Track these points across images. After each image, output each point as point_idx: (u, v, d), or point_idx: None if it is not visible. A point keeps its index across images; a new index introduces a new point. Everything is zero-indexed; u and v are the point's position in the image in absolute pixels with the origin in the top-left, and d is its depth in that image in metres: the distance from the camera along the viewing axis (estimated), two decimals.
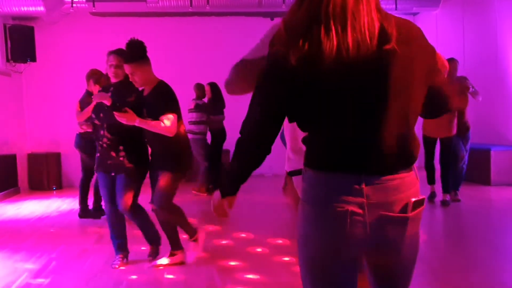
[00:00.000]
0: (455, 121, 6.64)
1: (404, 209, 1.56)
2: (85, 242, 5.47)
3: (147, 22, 10.19)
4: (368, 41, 1.47)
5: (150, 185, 4.36)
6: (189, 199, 8.08)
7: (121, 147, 4.28)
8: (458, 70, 6.80)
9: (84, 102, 6.14)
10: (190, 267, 4.43)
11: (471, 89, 6.75)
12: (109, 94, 4.27)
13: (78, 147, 6.61)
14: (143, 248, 4.80)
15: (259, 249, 4.94)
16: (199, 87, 8.53)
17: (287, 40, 1.50)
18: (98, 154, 4.42)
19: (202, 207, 7.46)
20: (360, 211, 1.53)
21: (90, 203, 6.71)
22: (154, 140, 4.25)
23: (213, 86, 8.38)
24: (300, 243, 1.69)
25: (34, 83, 9.88)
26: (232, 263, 4.52)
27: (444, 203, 6.62)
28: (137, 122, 4.04)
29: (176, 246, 4.45)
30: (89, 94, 6.41)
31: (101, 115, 4.31)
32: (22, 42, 9.03)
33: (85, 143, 6.34)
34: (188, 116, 8.38)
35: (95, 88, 6.32)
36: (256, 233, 5.53)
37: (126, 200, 4.27)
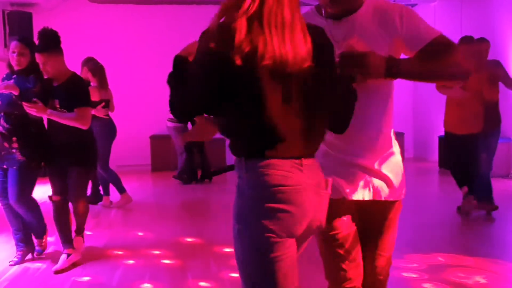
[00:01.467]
0: (482, 115, 5.53)
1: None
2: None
3: (145, 10, 10.18)
4: (300, 55, 1.66)
5: (50, 178, 4.18)
6: (172, 188, 8.15)
7: (14, 138, 4.07)
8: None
9: None
10: (186, 253, 4.49)
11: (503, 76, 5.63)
12: (12, 81, 4.06)
13: None
14: (140, 233, 4.86)
15: None
16: None
17: (226, 42, 1.63)
18: None
19: (184, 196, 7.54)
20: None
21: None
22: (61, 133, 4.09)
23: None
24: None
25: None
26: (227, 249, 4.57)
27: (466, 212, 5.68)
28: (48, 113, 3.94)
29: (71, 243, 4.28)
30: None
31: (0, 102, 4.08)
32: (20, 28, 9.00)
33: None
34: None
35: (88, 76, 6.33)
36: None
37: (17, 193, 4.07)
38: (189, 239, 4.98)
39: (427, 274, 3.84)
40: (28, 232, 4.39)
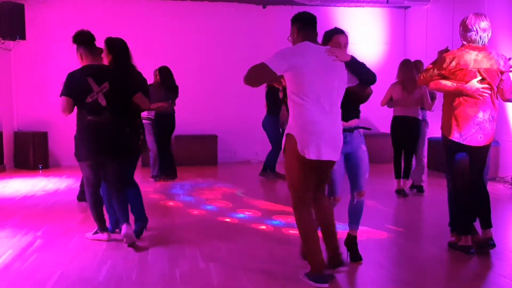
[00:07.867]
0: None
1: None
2: (71, 221, 5.50)
3: (137, 3, 10.14)
4: None
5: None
6: (158, 184, 8.13)
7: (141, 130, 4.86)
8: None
9: None
10: (174, 248, 4.49)
11: None
12: None
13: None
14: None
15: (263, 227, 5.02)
16: (154, 72, 8.14)
17: None
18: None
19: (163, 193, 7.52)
20: None
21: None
22: None
23: (161, 71, 7.97)
24: None
25: (23, 61, 9.81)
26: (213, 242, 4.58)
27: None
28: None
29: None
30: None
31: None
32: (12, 19, 8.93)
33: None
34: None
35: None
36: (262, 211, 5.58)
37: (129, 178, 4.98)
38: (175, 234, 4.99)
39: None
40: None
